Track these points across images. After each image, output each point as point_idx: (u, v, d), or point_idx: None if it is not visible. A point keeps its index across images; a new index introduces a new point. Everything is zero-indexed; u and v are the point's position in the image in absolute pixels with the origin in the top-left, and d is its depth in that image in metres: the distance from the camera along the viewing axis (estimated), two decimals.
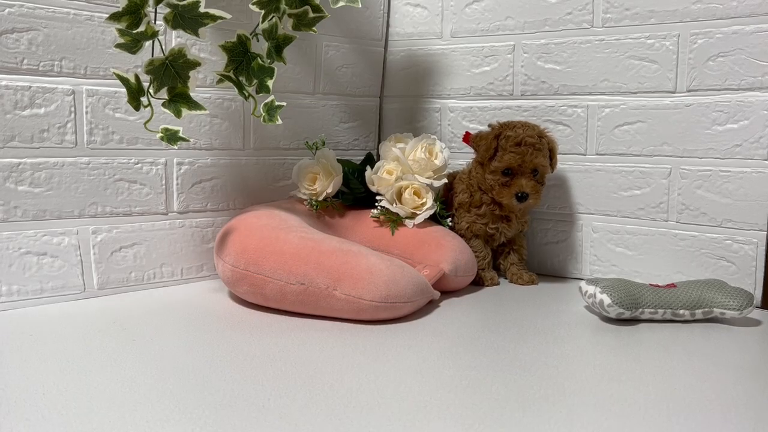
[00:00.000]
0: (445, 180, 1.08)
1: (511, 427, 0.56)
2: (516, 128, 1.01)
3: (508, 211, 1.06)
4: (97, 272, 0.94)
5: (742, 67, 0.95)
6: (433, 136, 1.09)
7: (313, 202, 1.07)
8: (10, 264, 0.88)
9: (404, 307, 0.85)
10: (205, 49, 1.02)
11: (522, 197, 1.00)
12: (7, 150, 0.86)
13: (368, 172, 1.08)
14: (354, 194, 1.11)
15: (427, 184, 1.05)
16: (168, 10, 0.78)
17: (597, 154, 1.08)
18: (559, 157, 1.07)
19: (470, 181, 1.08)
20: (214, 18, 0.79)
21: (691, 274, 1.01)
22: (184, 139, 0.84)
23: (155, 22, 0.79)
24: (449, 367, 0.69)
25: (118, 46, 0.78)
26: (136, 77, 0.80)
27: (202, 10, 0.79)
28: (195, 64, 0.81)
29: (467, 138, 1.09)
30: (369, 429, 0.55)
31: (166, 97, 0.82)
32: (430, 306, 0.93)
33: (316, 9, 0.88)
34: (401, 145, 1.09)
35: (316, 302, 0.85)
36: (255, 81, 0.87)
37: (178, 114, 0.82)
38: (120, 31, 0.77)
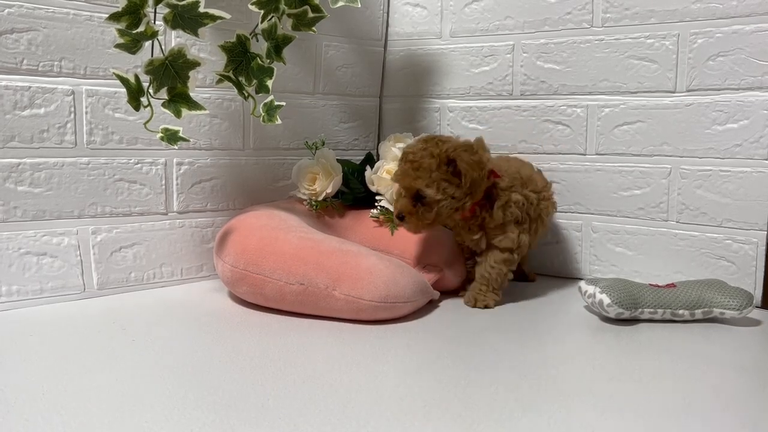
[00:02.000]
0: None
1: (511, 427, 0.56)
2: (414, 142, 0.91)
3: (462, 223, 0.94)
4: (96, 272, 0.94)
5: (742, 67, 0.95)
6: None
7: (313, 202, 1.07)
8: (10, 264, 0.88)
9: (404, 307, 0.85)
10: (205, 49, 1.02)
11: (399, 218, 0.90)
12: (7, 150, 0.86)
13: (368, 172, 1.08)
14: (354, 194, 1.11)
15: None
16: (167, 10, 0.78)
17: (597, 154, 1.08)
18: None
19: None
20: (213, 18, 0.79)
21: (691, 274, 1.00)
22: (184, 139, 0.84)
23: (155, 22, 0.79)
24: (449, 367, 0.69)
25: (118, 46, 0.78)
26: (136, 77, 0.80)
27: (201, 10, 0.79)
28: (195, 64, 0.81)
29: None
30: (368, 429, 0.55)
31: (166, 97, 0.82)
32: (429, 306, 0.93)
33: (316, 9, 0.88)
34: (400, 144, 1.09)
35: (315, 302, 0.85)
36: (254, 81, 0.87)
37: (177, 114, 0.82)
38: (120, 31, 0.77)
